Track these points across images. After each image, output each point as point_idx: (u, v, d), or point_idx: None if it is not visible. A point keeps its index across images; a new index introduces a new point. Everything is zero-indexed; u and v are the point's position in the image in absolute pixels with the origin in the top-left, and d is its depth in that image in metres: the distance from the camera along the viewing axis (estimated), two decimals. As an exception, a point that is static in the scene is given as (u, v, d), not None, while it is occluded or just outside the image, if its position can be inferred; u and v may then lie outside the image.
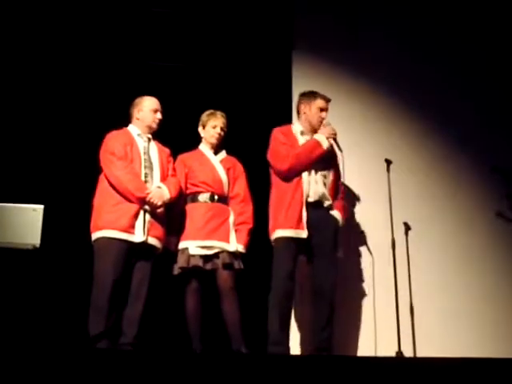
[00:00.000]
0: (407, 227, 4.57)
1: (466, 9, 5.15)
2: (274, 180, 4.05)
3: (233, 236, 3.94)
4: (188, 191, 4.05)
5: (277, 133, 4.10)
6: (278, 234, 3.89)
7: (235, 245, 3.91)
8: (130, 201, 3.70)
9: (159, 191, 3.77)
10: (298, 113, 4.20)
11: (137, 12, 5.07)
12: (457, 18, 5.14)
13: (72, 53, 4.90)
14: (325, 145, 3.98)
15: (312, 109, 4.11)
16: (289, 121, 4.50)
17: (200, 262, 3.84)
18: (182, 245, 3.91)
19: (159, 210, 3.78)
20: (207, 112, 4.19)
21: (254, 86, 4.96)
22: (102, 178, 3.82)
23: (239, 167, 4.18)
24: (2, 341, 3.63)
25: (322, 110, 4.11)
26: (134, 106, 4.00)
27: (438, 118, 4.92)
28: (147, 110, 3.96)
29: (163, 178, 3.88)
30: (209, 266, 3.87)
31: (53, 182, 4.53)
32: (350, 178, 4.58)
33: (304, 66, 4.96)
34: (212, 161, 4.11)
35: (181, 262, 3.87)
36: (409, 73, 5.02)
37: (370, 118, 4.89)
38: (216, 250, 3.87)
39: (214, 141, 4.13)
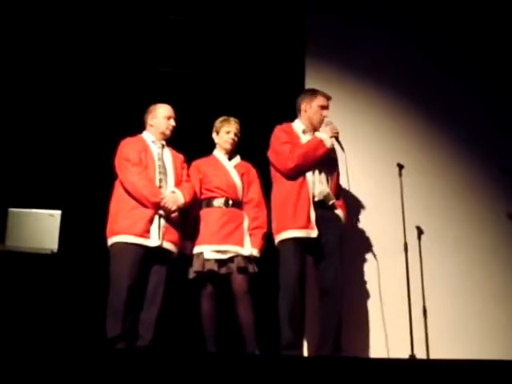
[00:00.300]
0: (420, 231, 4.59)
1: (475, 10, 5.16)
2: (276, 179, 4.00)
3: (247, 240, 3.97)
4: (203, 196, 4.10)
5: (278, 131, 4.06)
6: (286, 235, 3.83)
7: (249, 249, 3.95)
8: (145, 206, 3.75)
9: (173, 196, 3.83)
10: (299, 111, 4.14)
11: (149, 19, 5.15)
12: (467, 20, 5.15)
13: (87, 61, 4.98)
14: (328, 143, 3.93)
15: (313, 107, 4.07)
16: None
17: (215, 267, 3.88)
18: (197, 249, 3.95)
19: (174, 215, 3.82)
20: (221, 118, 4.25)
21: (267, 91, 5.00)
22: (117, 184, 3.87)
23: (253, 172, 4.22)
24: (21, 342, 3.69)
25: (323, 107, 4.07)
26: (148, 113, 4.06)
27: (448, 121, 4.94)
28: (161, 116, 4.02)
29: (177, 184, 3.93)
30: (223, 271, 3.91)
31: (70, 188, 4.59)
32: (362, 183, 4.61)
33: (317, 70, 4.98)
34: (226, 166, 4.16)
35: (196, 266, 3.91)
36: (420, 76, 5.03)
37: (382, 123, 4.92)
38: (231, 255, 3.91)
39: (227, 146, 4.18)
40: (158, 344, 3.70)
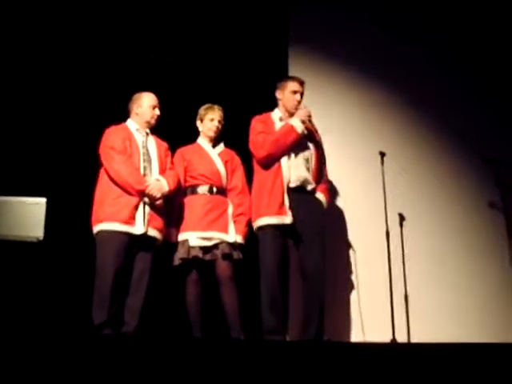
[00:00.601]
0: (402, 218, 4.66)
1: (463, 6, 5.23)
2: (256, 169, 4.06)
3: (231, 227, 4.01)
4: (187, 184, 4.13)
5: (255, 122, 4.10)
6: (261, 221, 3.89)
7: (234, 236, 3.99)
8: (129, 194, 3.78)
9: (158, 184, 3.86)
10: (276, 100, 4.17)
11: (134, 7, 5.14)
12: (447, 6, 5.22)
13: (70, 49, 4.98)
14: (299, 129, 3.93)
15: (285, 93, 4.10)
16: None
17: (200, 253, 3.93)
18: (181, 236, 3.99)
19: (158, 202, 3.86)
20: (205, 106, 4.28)
21: (251, 79, 5.03)
22: (102, 172, 3.90)
23: (237, 159, 4.26)
24: (7, 331, 3.71)
25: (295, 92, 4.08)
26: (133, 102, 4.08)
27: (430, 109, 4.99)
28: (146, 105, 4.04)
29: (162, 172, 3.96)
30: (208, 257, 3.95)
31: (55, 176, 4.60)
32: (344, 170, 4.67)
33: (300, 58, 5.03)
34: (210, 154, 4.19)
35: (181, 253, 3.96)
36: (403, 64, 5.09)
37: (365, 112, 4.96)
38: (215, 241, 3.96)
39: (211, 134, 4.21)
40: (144, 330, 3.74)
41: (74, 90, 4.90)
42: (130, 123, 4.06)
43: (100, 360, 2.74)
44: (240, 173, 4.21)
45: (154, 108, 4.05)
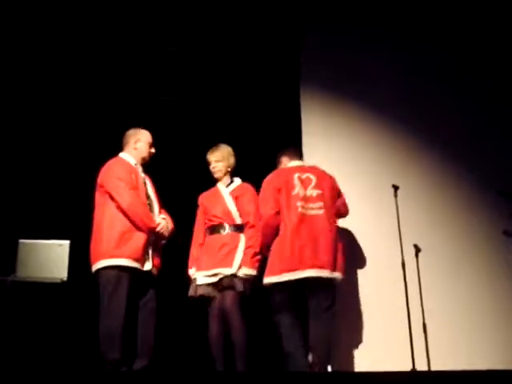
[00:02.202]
0: (417, 249, 4.71)
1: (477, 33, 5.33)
2: None
3: (237, 260, 4.07)
4: (206, 226, 4.27)
5: None
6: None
7: (236, 268, 4.04)
8: (139, 229, 3.77)
9: (166, 223, 3.93)
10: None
11: (144, 49, 5.33)
12: (464, 38, 5.32)
13: (84, 89, 5.18)
14: None
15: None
16: (298, 149, 4.72)
17: (207, 291, 4.06)
18: (195, 275, 4.15)
19: (164, 242, 3.96)
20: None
21: (263, 117, 5.19)
22: (106, 203, 3.80)
23: (248, 193, 4.29)
24: (32, 370, 3.77)
25: None
26: (131, 136, 4.05)
27: (443, 142, 5.08)
28: (144, 141, 4.04)
29: (159, 209, 4.01)
30: (215, 293, 4.07)
31: (77, 219, 4.69)
32: (359, 204, 4.73)
33: (312, 95, 5.15)
34: (223, 194, 4.29)
35: (190, 291, 4.12)
36: (416, 98, 5.19)
37: (377, 145, 5.06)
38: (220, 276, 4.05)
39: (215, 175, 4.35)
40: (159, 364, 3.78)
41: (96, 132, 5.05)
42: (128, 157, 4.00)
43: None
44: (250, 207, 4.22)
45: (150, 146, 4.07)
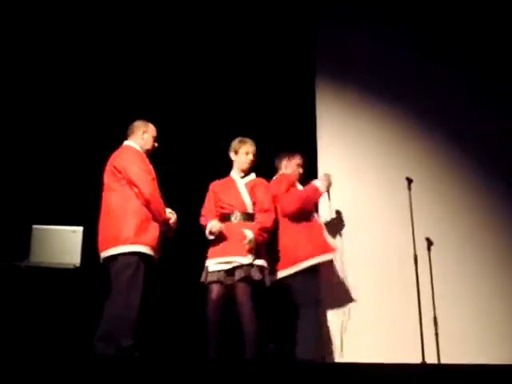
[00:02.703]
0: (429, 242, 4.72)
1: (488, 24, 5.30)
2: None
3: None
4: (217, 213, 4.28)
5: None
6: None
7: (251, 258, 4.06)
8: (156, 220, 3.87)
9: (175, 217, 4.04)
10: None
11: (158, 39, 5.34)
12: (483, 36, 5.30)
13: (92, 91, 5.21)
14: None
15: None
16: (313, 143, 4.72)
17: (219, 277, 4.06)
18: (207, 263, 4.17)
19: (171, 235, 4.04)
20: (238, 139, 4.40)
21: (278, 111, 5.16)
22: (124, 189, 3.86)
23: (263, 187, 4.33)
24: (45, 355, 3.80)
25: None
26: (140, 127, 4.10)
27: (456, 135, 5.07)
28: (151, 134, 4.11)
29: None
30: (229, 281, 4.06)
31: (90, 206, 4.73)
32: (372, 196, 4.75)
33: (327, 87, 5.17)
34: (237, 183, 4.32)
35: (202, 277, 4.12)
36: (431, 91, 5.17)
37: (392, 139, 5.07)
38: (234, 264, 4.06)
39: (246, 166, 4.35)
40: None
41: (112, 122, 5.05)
42: (136, 147, 4.05)
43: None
44: (265, 197, 4.26)
45: (154, 140, 4.14)
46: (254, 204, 4.24)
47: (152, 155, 4.12)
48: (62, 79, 5.21)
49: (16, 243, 4.38)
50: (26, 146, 5.03)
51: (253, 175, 4.40)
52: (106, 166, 4.01)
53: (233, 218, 4.20)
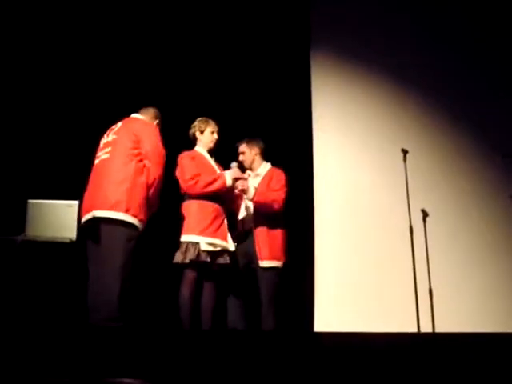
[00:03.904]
0: (425, 214, 4.72)
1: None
2: None
3: (229, 236, 4.23)
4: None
5: None
6: None
7: (232, 245, 4.22)
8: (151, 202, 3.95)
9: None
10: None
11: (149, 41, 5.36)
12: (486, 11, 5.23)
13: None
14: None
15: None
16: (308, 114, 4.68)
17: (207, 258, 4.09)
18: (190, 238, 4.12)
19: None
20: (202, 118, 4.46)
21: (272, 88, 5.17)
22: (134, 160, 3.94)
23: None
24: (41, 327, 3.83)
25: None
26: (154, 114, 4.23)
27: (451, 106, 5.05)
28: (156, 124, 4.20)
29: None
30: (215, 265, 4.14)
31: (86, 180, 4.74)
32: (367, 168, 4.75)
33: (322, 59, 5.16)
34: (211, 163, 4.38)
35: (191, 253, 4.06)
36: (427, 62, 5.14)
37: (387, 110, 5.05)
38: (219, 248, 4.14)
39: (211, 145, 4.42)
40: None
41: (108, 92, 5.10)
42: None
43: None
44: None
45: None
46: None
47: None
48: (56, 61, 5.22)
49: (12, 218, 4.38)
50: (21, 121, 5.03)
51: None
52: (119, 129, 4.00)
53: (213, 199, 4.23)
